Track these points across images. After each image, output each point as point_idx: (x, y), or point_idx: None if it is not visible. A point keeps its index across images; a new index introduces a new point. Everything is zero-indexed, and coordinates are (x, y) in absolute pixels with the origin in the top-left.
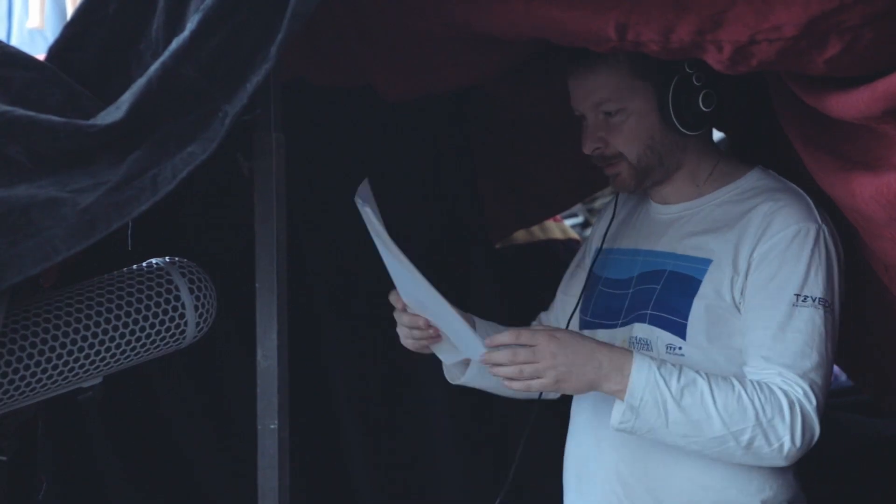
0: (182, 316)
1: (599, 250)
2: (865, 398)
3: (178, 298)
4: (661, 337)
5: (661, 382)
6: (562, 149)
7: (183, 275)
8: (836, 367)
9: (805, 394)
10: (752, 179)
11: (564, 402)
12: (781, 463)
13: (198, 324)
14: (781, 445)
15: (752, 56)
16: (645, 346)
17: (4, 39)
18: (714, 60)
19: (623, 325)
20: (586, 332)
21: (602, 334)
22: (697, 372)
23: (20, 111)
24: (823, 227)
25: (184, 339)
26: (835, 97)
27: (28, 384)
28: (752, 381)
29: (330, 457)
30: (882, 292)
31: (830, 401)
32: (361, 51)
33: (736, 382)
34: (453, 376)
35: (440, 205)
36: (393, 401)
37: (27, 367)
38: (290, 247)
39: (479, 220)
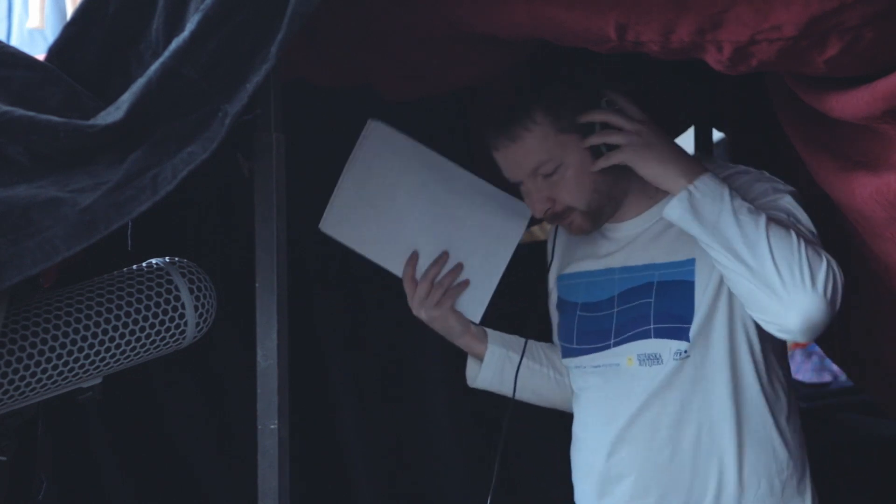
0: (182, 316)
1: (561, 277)
2: (865, 398)
3: (178, 298)
4: (671, 346)
5: (725, 191)
6: None
7: (183, 275)
8: (835, 367)
9: (838, 266)
10: None
11: (567, 417)
12: (804, 307)
13: (198, 324)
14: (815, 283)
15: (752, 56)
16: (655, 360)
17: (4, 39)
18: (714, 60)
19: (617, 344)
20: (574, 361)
21: (593, 358)
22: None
23: (20, 111)
24: (777, 181)
25: (184, 339)
26: (835, 97)
27: (28, 384)
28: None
29: (330, 457)
30: (882, 292)
31: (830, 401)
32: (361, 51)
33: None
34: (473, 377)
35: None
36: (393, 401)
37: (27, 367)
38: (290, 247)
39: None
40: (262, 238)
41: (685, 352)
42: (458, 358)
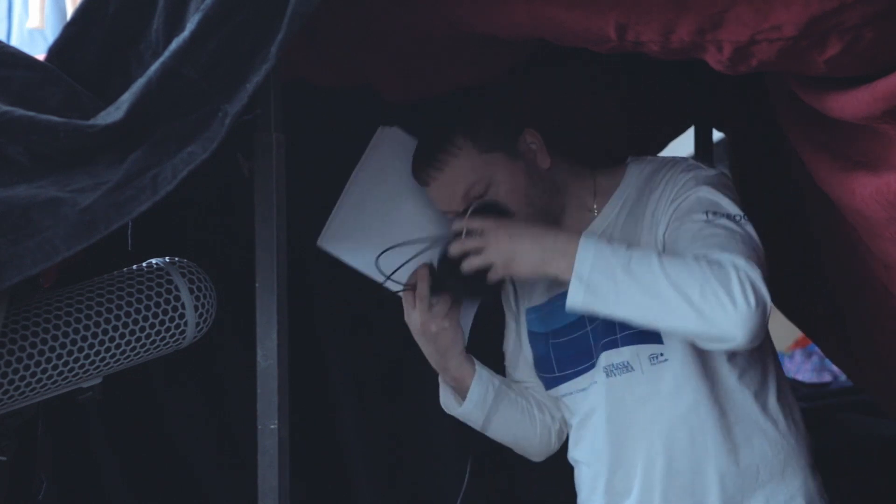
0: (182, 316)
1: (529, 311)
2: (865, 398)
3: (178, 298)
4: (642, 351)
5: (608, 252)
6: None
7: (183, 275)
8: (835, 367)
9: (747, 263)
10: (635, 172)
11: None
12: (737, 324)
13: (198, 324)
14: (735, 303)
15: (752, 56)
16: (624, 368)
17: (4, 39)
18: (714, 60)
19: (603, 350)
20: (561, 389)
21: (579, 382)
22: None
23: (20, 111)
24: (711, 169)
25: (184, 339)
26: (835, 97)
27: (28, 384)
28: (697, 255)
29: (330, 457)
30: (882, 292)
31: (830, 401)
32: (361, 51)
33: (684, 257)
34: (450, 403)
35: None
36: (393, 401)
37: (27, 367)
38: (290, 247)
39: None
40: (262, 238)
41: (661, 355)
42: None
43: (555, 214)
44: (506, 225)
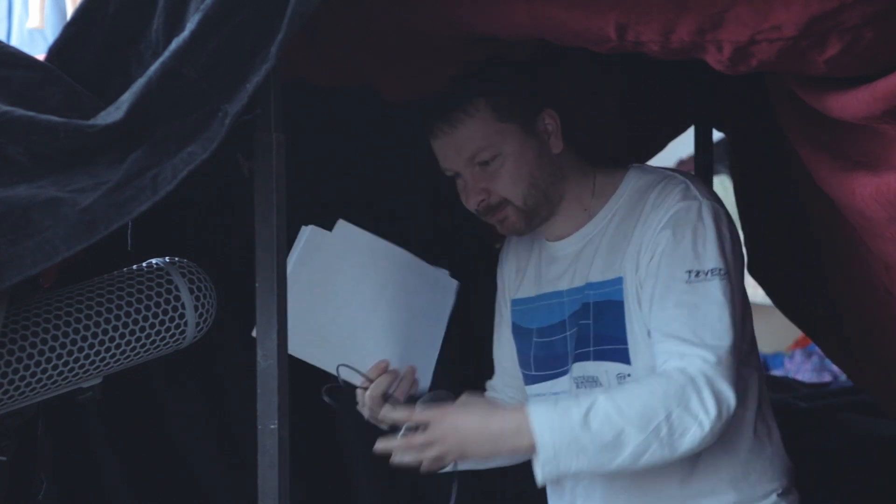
0: (182, 316)
1: (515, 302)
2: (865, 398)
3: (178, 298)
4: (610, 369)
5: (564, 420)
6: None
7: (183, 275)
8: (835, 367)
9: (707, 362)
10: (632, 181)
11: None
12: (709, 440)
13: (198, 324)
14: (700, 423)
15: (752, 56)
16: (592, 382)
17: (4, 39)
18: (714, 60)
19: (575, 361)
20: (534, 388)
21: (553, 385)
22: (596, 392)
23: (20, 111)
24: (704, 202)
25: (184, 339)
26: (835, 97)
27: (28, 384)
28: (651, 377)
29: (330, 457)
30: (882, 292)
31: (830, 401)
32: (361, 51)
33: (636, 385)
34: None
35: (439, 205)
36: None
37: (27, 367)
38: (290, 247)
39: (478, 221)
40: (262, 238)
41: (629, 375)
42: (457, 357)
43: (552, 202)
44: (451, 415)
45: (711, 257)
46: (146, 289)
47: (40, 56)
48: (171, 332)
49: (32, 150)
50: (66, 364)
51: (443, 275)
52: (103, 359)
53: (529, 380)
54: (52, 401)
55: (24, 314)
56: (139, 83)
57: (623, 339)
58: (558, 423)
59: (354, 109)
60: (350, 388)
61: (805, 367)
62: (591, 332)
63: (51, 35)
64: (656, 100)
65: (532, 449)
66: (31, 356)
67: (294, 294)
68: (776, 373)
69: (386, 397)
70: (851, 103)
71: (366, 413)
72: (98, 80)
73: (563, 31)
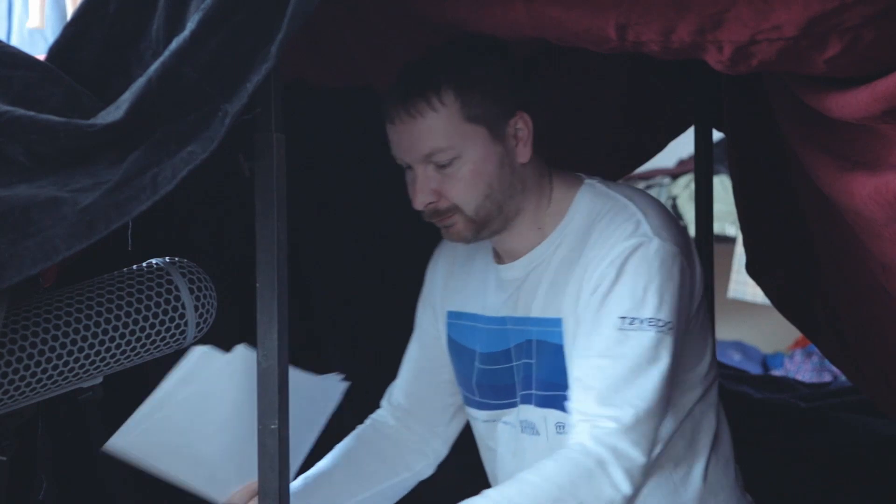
0: (182, 316)
1: (450, 314)
2: (865, 398)
3: (178, 298)
4: (550, 417)
5: None
6: (560, 147)
7: (183, 275)
8: (835, 368)
9: (619, 424)
10: (584, 202)
11: None
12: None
13: (198, 324)
14: (612, 499)
15: (753, 56)
16: (531, 430)
17: (4, 39)
18: (714, 60)
19: (520, 402)
20: (482, 414)
21: (503, 413)
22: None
23: (20, 111)
24: (653, 240)
25: (184, 339)
26: (835, 97)
27: (28, 384)
28: (557, 464)
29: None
30: (879, 292)
31: (830, 401)
32: (361, 51)
33: (542, 480)
34: None
35: None
36: None
37: (27, 367)
38: (290, 247)
39: None
40: (262, 238)
41: (567, 425)
42: None
43: (507, 216)
44: None
45: (651, 306)
46: (146, 289)
47: (40, 56)
48: (171, 333)
49: (32, 149)
50: (66, 364)
51: (332, 380)
52: (103, 359)
53: (474, 404)
54: (52, 401)
55: (24, 314)
56: (139, 83)
57: (564, 385)
58: None
59: (354, 109)
60: None
61: (805, 367)
62: (533, 373)
63: (51, 35)
64: (656, 100)
65: None
66: (31, 356)
67: (155, 399)
68: (776, 373)
69: None
70: (851, 103)
71: None
72: (98, 80)
73: (563, 31)
